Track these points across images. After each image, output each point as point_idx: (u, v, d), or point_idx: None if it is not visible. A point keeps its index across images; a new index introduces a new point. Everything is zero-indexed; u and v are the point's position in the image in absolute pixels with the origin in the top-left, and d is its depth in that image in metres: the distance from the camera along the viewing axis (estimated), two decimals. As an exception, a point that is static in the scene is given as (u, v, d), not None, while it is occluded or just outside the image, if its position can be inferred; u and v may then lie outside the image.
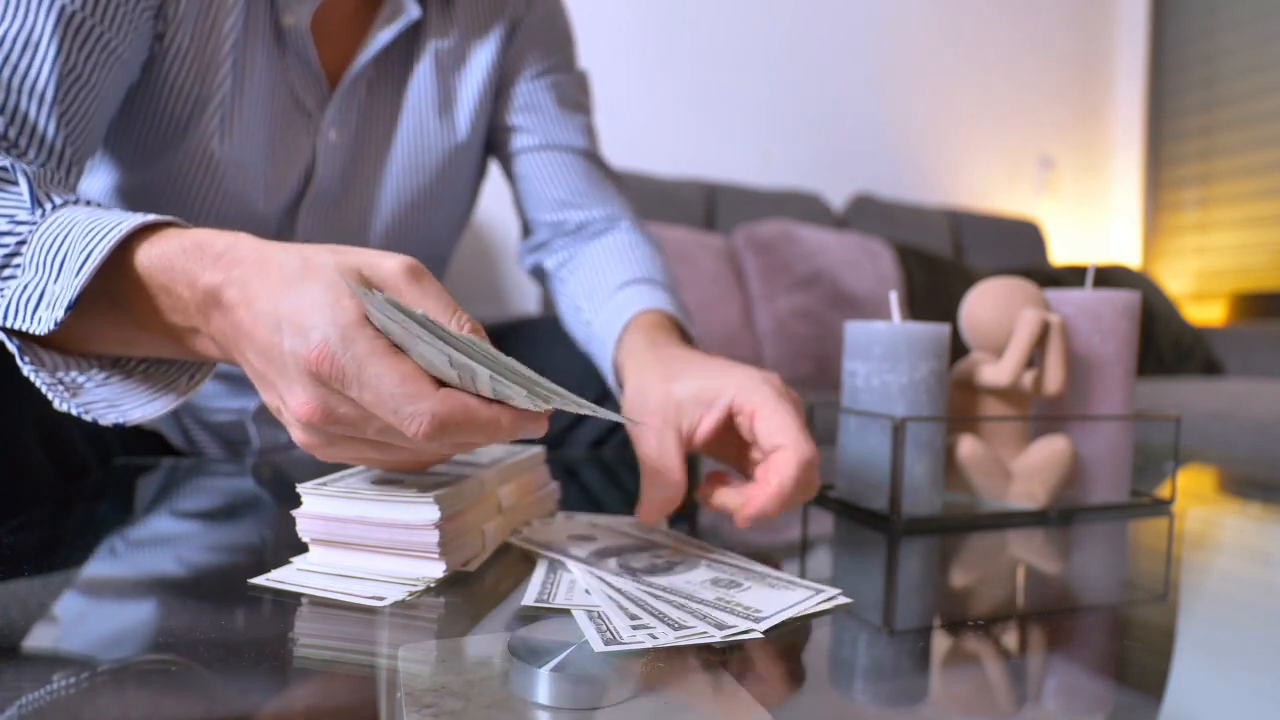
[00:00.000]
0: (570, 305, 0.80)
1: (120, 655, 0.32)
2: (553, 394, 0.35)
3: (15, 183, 0.48)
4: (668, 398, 0.49)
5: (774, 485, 0.44)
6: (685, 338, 0.67)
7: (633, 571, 0.40)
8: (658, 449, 0.48)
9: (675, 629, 0.33)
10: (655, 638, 0.32)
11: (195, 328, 0.42)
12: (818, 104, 2.61)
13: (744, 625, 0.34)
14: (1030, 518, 0.59)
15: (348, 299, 0.35)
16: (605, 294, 0.75)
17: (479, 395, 0.35)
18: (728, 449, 0.51)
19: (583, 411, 0.36)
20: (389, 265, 0.37)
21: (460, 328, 0.36)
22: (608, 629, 0.32)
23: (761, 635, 0.34)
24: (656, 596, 0.37)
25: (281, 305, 0.36)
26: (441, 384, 0.35)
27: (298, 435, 0.38)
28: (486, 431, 0.35)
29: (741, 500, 0.46)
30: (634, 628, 0.33)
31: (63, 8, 0.54)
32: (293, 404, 0.36)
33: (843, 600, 0.38)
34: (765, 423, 0.46)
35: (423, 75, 0.76)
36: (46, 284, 0.43)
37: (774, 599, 0.37)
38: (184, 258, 0.41)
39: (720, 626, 0.34)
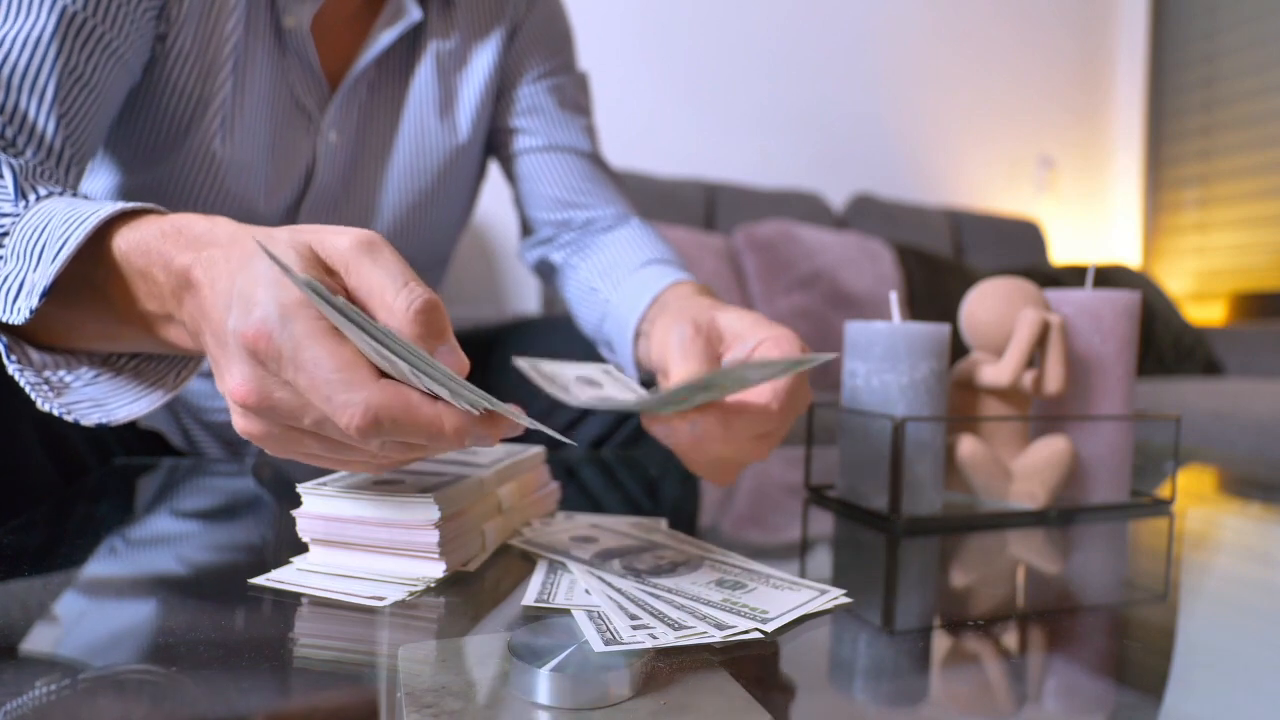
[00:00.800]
0: (584, 287, 0.79)
1: (120, 655, 0.32)
2: (480, 403, 0.32)
3: (0, 176, 0.48)
4: (712, 321, 0.49)
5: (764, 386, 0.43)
6: None
7: (637, 573, 0.40)
8: (687, 347, 0.46)
9: (675, 629, 0.33)
10: (655, 638, 0.32)
11: (170, 314, 0.41)
12: (818, 104, 2.61)
13: (746, 625, 0.34)
14: (1030, 518, 0.59)
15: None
16: (626, 271, 0.74)
17: (422, 391, 0.32)
18: None
19: (523, 424, 0.34)
20: (342, 241, 0.35)
21: (410, 301, 0.33)
22: (608, 629, 0.32)
23: (763, 636, 0.34)
24: (657, 596, 0.37)
25: (236, 282, 0.34)
26: (385, 375, 0.32)
27: (237, 421, 0.35)
28: (427, 431, 0.32)
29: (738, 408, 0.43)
30: (634, 628, 0.33)
31: (64, 8, 0.54)
32: (230, 384, 0.34)
33: (845, 600, 0.38)
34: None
35: (424, 77, 0.76)
36: (26, 273, 0.43)
37: (779, 599, 0.37)
38: (161, 241, 0.40)
39: (721, 627, 0.34)
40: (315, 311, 0.32)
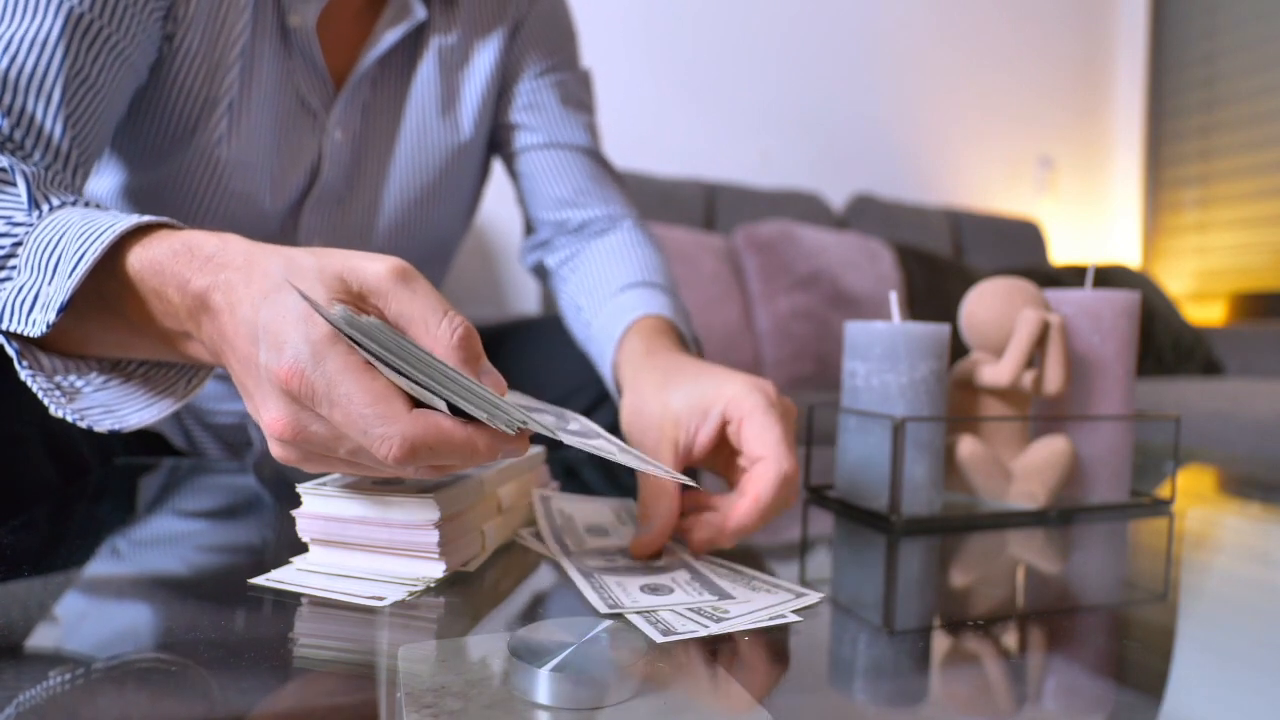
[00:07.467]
0: (571, 304, 0.80)
1: (120, 655, 0.32)
2: (516, 420, 0.33)
3: (14, 184, 0.48)
4: (665, 409, 0.49)
5: (750, 498, 0.44)
6: (683, 343, 0.67)
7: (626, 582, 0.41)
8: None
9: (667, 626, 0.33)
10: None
11: (187, 332, 0.42)
12: (818, 103, 2.60)
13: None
14: (1030, 518, 0.59)
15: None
16: (606, 295, 0.75)
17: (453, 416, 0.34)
18: (721, 458, 0.50)
19: (557, 436, 0.35)
20: (375, 268, 0.35)
21: (452, 331, 0.35)
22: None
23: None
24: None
25: (261, 315, 0.35)
26: (417, 403, 0.33)
27: (274, 449, 0.37)
28: (462, 453, 0.33)
29: (720, 521, 0.44)
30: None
31: (70, 10, 0.54)
32: (266, 418, 0.35)
33: (812, 599, 0.38)
34: (750, 431, 0.45)
35: (426, 74, 0.76)
36: (41, 285, 0.43)
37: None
38: (174, 261, 0.40)
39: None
40: (346, 347, 0.33)
